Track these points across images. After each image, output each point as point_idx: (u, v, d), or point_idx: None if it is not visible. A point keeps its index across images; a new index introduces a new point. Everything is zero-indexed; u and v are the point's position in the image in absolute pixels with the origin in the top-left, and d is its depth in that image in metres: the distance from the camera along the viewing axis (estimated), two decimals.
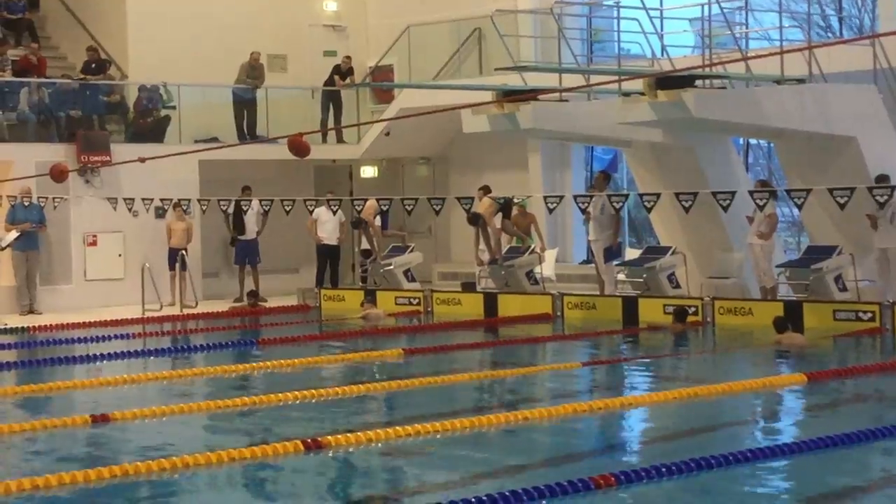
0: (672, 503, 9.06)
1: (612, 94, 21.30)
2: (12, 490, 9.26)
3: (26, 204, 23.34)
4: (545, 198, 20.71)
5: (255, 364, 16.01)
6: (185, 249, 24.00)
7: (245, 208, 23.58)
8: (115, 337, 19.17)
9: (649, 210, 18.86)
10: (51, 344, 18.99)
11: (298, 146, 14.20)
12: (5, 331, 20.53)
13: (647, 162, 22.44)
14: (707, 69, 18.90)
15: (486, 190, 23.65)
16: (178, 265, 23.79)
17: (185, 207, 23.90)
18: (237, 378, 15.46)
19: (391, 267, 24.21)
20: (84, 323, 21.08)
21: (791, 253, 24.07)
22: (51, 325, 21.02)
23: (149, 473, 9.84)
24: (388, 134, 27.29)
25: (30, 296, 23.56)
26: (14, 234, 22.58)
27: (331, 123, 27.56)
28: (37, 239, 23.66)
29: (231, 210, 23.10)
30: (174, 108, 26.55)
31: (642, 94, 19.52)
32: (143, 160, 17.49)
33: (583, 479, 9.01)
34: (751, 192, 18.63)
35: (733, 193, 17.82)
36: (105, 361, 16.93)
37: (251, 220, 24.98)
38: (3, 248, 22.70)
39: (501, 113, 21.58)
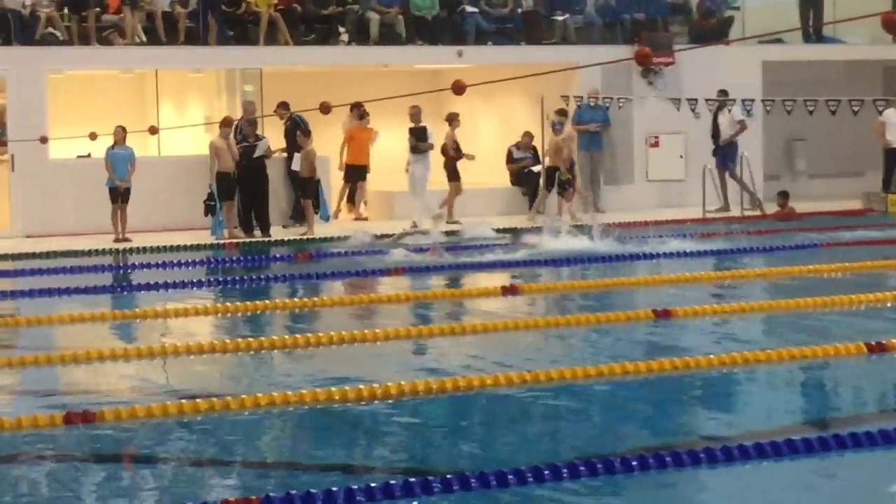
0: None
1: None
2: (578, 375, 9.66)
3: (592, 105, 23.95)
4: None
5: (815, 266, 15.73)
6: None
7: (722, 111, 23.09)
8: (674, 236, 19.39)
9: None
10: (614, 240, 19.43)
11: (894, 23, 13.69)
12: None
13: None
14: None
15: None
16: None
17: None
18: (798, 279, 15.25)
19: None
20: (645, 222, 21.49)
21: None
22: (613, 223, 21.56)
23: (708, 368, 9.96)
24: None
25: (593, 195, 24.20)
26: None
27: None
28: (601, 139, 24.20)
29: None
30: (738, 8, 26.35)
31: None
32: (728, 42, 17.46)
33: None
34: None
35: None
36: (664, 259, 17.22)
37: (726, 126, 23.93)
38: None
39: None
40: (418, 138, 22.04)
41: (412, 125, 22.26)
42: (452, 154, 22.57)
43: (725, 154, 23.71)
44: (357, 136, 22.88)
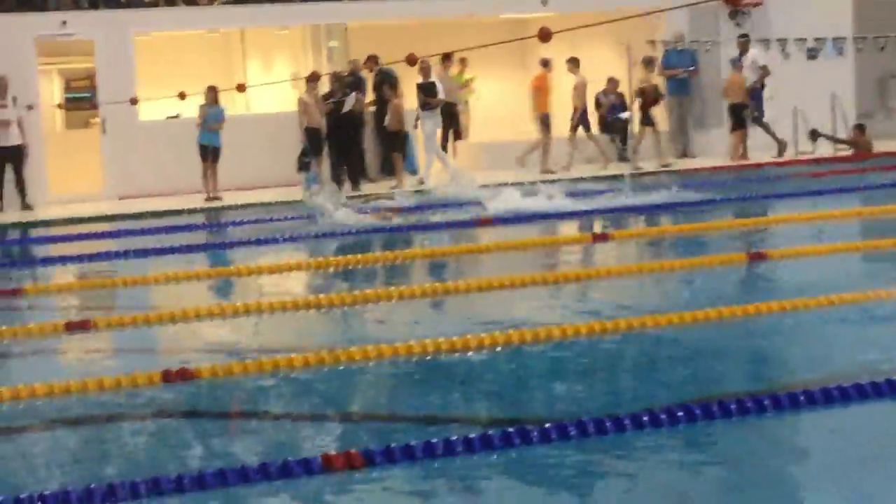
0: None
1: None
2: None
3: (679, 49, 23.69)
4: None
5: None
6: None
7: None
8: (753, 180, 19.18)
9: None
10: (704, 187, 19.25)
11: None
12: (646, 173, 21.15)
13: None
14: None
15: None
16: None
17: None
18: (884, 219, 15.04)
19: None
20: (726, 167, 21.34)
21: None
22: (701, 167, 21.39)
23: (805, 309, 9.81)
24: None
25: (683, 140, 23.96)
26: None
27: None
28: (688, 84, 23.94)
29: None
30: None
31: None
32: None
33: None
34: None
35: None
36: (755, 201, 17.06)
37: (747, 72, 22.93)
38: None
39: None
40: (427, 94, 21.54)
41: (420, 81, 21.71)
42: (653, 98, 22.37)
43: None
44: (543, 86, 22.72)
